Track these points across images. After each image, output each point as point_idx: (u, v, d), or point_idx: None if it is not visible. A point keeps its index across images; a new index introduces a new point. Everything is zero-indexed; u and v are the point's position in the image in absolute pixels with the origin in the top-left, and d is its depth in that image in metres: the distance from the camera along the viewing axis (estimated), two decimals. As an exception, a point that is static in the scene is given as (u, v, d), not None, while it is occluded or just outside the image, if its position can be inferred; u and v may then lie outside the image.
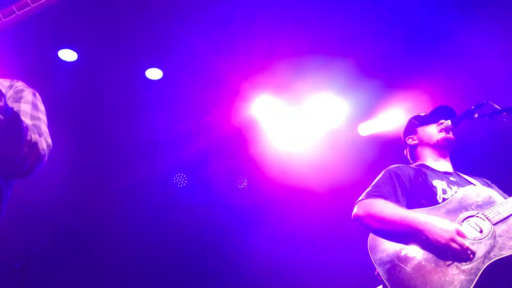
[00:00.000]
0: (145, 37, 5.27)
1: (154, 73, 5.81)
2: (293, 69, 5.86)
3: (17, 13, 1.73)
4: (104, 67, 5.57)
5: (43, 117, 2.04)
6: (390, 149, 5.61)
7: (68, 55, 5.37)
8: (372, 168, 5.90)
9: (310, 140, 6.51)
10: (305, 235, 6.68)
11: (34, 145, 1.82)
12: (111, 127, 6.23)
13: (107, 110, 6.08)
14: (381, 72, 5.85)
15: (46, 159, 1.90)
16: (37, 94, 2.13)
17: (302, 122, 6.43)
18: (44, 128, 1.97)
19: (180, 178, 6.94)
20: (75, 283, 6.22)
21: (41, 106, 2.08)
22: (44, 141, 1.89)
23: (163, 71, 5.80)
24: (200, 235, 6.83)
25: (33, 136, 1.84)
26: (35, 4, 1.75)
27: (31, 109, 2.01)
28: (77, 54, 5.39)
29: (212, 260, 6.70)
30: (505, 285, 2.51)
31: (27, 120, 1.94)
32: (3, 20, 1.73)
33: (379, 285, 2.71)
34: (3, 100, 1.70)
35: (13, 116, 1.75)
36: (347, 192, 6.19)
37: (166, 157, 6.71)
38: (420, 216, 2.68)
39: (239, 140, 6.53)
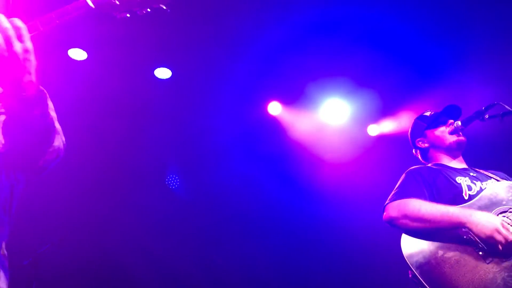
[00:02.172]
0: (154, 36, 5.28)
1: (163, 73, 5.83)
2: (305, 72, 5.88)
3: (57, 21, 1.78)
4: (113, 66, 5.59)
5: (54, 114, 2.07)
6: (398, 148, 5.60)
7: (78, 54, 5.40)
8: (381, 167, 5.97)
9: (322, 140, 6.50)
10: (317, 235, 6.67)
11: (58, 149, 1.86)
12: (119, 126, 6.24)
13: (115, 109, 6.11)
14: (390, 75, 5.83)
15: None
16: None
17: (314, 123, 6.43)
18: (58, 125, 1.99)
19: (173, 179, 6.95)
20: (83, 281, 6.25)
21: (50, 103, 2.11)
22: (61, 139, 1.93)
23: (172, 71, 5.81)
24: (206, 234, 6.84)
25: (61, 139, 1.88)
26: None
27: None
28: (87, 53, 5.41)
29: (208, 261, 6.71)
30: None
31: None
32: (41, 29, 1.77)
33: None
34: (47, 104, 1.73)
35: (50, 124, 1.78)
36: (358, 190, 6.23)
37: (175, 156, 6.74)
38: (463, 210, 2.65)
39: (249, 141, 6.53)
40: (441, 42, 5.38)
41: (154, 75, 5.82)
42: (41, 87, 1.70)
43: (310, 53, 5.68)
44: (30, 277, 4.52)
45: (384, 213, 2.91)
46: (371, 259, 6.02)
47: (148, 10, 1.92)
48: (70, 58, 5.43)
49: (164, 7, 1.92)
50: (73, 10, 1.79)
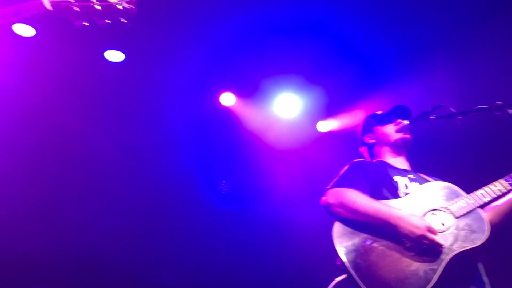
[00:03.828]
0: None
1: (114, 55, 5.65)
2: (259, 65, 5.89)
3: None
4: (63, 44, 5.35)
5: None
6: (345, 146, 5.74)
7: (25, 30, 5.12)
8: (329, 162, 6.08)
9: (272, 133, 6.54)
10: (264, 227, 6.71)
11: None
12: (65, 109, 5.99)
13: (62, 89, 5.82)
14: (340, 74, 5.96)
15: None
16: None
17: (266, 116, 6.47)
18: None
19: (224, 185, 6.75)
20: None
21: None
22: None
23: (125, 54, 5.65)
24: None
25: None
26: None
27: None
28: (35, 29, 5.16)
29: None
30: (466, 276, 2.67)
31: None
32: None
33: (342, 275, 2.76)
34: None
35: None
36: (305, 185, 6.32)
37: (123, 145, 6.52)
38: (393, 211, 2.76)
39: (200, 130, 6.47)
40: (385, 42, 5.56)
41: (104, 57, 5.64)
42: None
43: (265, 47, 5.70)
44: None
45: (323, 198, 3.03)
46: (316, 250, 6.11)
47: (108, 21, 1.85)
48: (16, 34, 5.14)
49: (125, 21, 1.86)
50: (29, 9, 1.71)
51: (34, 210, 6.11)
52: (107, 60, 5.67)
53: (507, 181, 2.86)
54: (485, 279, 2.75)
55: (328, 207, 2.96)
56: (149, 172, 6.53)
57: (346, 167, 3.23)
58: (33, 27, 5.10)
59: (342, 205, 2.88)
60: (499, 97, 2.80)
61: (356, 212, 2.81)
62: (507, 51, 5.18)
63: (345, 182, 3.04)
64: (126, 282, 6.37)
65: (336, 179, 3.11)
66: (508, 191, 2.86)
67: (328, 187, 3.06)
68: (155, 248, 6.50)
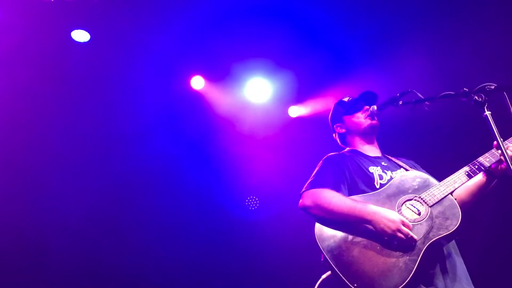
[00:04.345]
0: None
1: (81, 35, 5.49)
2: (230, 49, 5.84)
3: None
4: (27, 25, 5.17)
5: None
6: (318, 130, 5.76)
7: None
8: (301, 147, 6.12)
9: (243, 117, 6.51)
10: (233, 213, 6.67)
11: None
12: (28, 92, 5.77)
13: (29, 73, 5.63)
14: (310, 60, 5.97)
15: None
16: None
17: (236, 100, 6.44)
18: None
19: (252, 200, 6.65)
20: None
21: None
22: None
23: (90, 34, 5.50)
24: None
25: None
26: None
27: None
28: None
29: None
30: (443, 262, 2.76)
31: None
32: None
33: (327, 271, 2.87)
34: None
35: None
36: (274, 171, 6.33)
37: (91, 126, 6.35)
38: (368, 207, 2.81)
39: (170, 114, 6.38)
40: (354, 28, 5.62)
41: (71, 37, 5.47)
42: None
43: (235, 31, 5.69)
44: None
45: (300, 201, 3.08)
46: (287, 240, 6.14)
47: None
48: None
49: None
50: None
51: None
52: (73, 40, 5.51)
53: (474, 165, 2.94)
54: (456, 251, 2.87)
55: (305, 209, 3.02)
56: (116, 155, 6.38)
57: (319, 165, 3.26)
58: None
59: (319, 207, 2.93)
60: (465, 83, 2.83)
61: (332, 212, 2.87)
62: (473, 38, 5.27)
63: (320, 182, 3.08)
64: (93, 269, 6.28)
65: (310, 179, 3.15)
66: (475, 175, 2.94)
67: (303, 190, 3.09)
68: (121, 232, 6.41)
